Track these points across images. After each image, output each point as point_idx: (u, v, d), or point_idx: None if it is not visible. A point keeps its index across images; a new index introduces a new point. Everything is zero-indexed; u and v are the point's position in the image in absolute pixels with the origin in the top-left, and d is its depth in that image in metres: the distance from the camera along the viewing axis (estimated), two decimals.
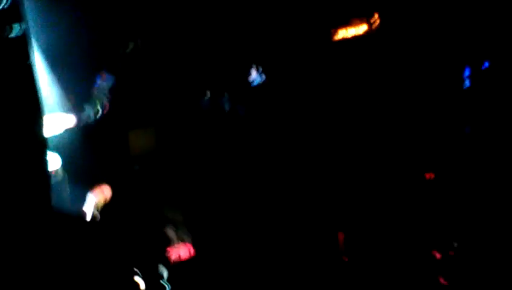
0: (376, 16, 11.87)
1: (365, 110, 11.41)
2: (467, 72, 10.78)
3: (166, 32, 12.41)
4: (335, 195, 10.25)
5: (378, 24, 11.85)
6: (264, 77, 12.27)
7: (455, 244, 8.67)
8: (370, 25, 11.92)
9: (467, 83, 10.66)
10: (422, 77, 11.06)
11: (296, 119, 11.54)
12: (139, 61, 12.34)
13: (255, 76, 12.35)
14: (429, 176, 9.70)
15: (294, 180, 10.66)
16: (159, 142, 11.42)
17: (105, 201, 8.18)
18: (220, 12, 12.20)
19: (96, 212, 8.11)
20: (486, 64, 10.51)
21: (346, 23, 12.08)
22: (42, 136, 7.12)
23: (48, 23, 10.90)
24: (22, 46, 7.16)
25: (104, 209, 7.90)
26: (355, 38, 11.93)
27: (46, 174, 7.19)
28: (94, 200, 8.15)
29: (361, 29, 11.90)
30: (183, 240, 8.15)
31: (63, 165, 9.70)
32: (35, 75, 7.14)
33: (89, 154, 10.60)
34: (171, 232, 8.14)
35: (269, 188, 10.50)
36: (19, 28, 7.10)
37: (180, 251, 8.11)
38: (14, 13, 7.17)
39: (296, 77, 11.98)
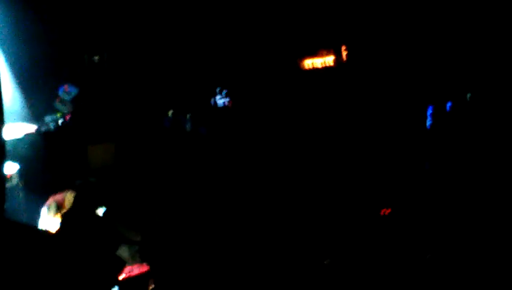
0: (343, 48, 12.05)
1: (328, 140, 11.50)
2: (429, 111, 10.91)
3: (133, 48, 12.40)
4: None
5: (346, 56, 12.03)
6: (227, 100, 12.32)
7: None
8: (337, 56, 12.09)
9: (429, 121, 10.79)
10: (386, 111, 11.21)
11: (258, 143, 11.58)
12: (104, 74, 12.28)
13: (218, 98, 12.39)
14: (384, 212, 9.74)
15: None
16: (118, 157, 11.33)
17: (62, 210, 8.01)
18: (188, 33, 12.25)
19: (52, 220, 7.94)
20: (449, 104, 10.67)
21: (314, 53, 12.22)
22: (1, 140, 6.98)
23: (12, 34, 10.86)
24: None
25: (60, 220, 7.70)
26: (322, 69, 12.08)
27: (1, 178, 7.04)
28: (52, 207, 7.97)
29: (328, 59, 12.06)
30: (137, 260, 8.00)
31: (20, 171, 9.54)
32: None
33: (47, 163, 10.48)
34: (125, 252, 7.97)
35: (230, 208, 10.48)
36: None
37: (134, 270, 7.96)
38: None
39: (260, 102, 12.07)
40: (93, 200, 7.54)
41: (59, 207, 7.89)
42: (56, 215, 7.66)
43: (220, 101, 12.32)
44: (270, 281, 8.04)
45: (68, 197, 7.70)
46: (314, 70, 12.22)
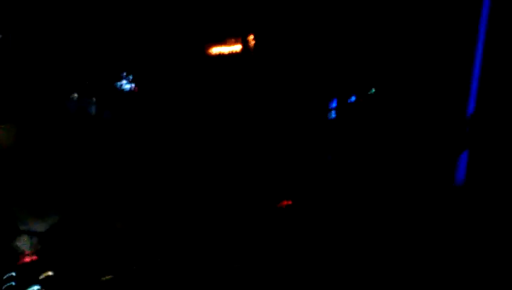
0: (251, 36, 12.15)
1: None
2: (333, 104, 11.17)
3: (38, 29, 12.13)
4: None
5: (253, 44, 12.13)
6: (132, 84, 12.27)
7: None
8: (245, 44, 12.18)
9: (333, 114, 11.05)
10: (290, 103, 11.41)
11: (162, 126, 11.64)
12: (7, 55, 11.99)
13: (123, 82, 12.31)
14: (286, 203, 9.93)
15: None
16: (20, 140, 11.11)
17: None
18: (95, 15, 12.08)
19: None
20: (353, 98, 10.96)
21: (222, 41, 12.29)
22: None
23: None
24: None
25: None
26: (229, 57, 12.15)
27: None
28: None
29: (235, 48, 12.14)
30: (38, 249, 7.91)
31: None
32: None
33: None
34: (23, 242, 7.84)
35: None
36: None
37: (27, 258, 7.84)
38: None
39: (166, 86, 12.09)
40: None
41: None
42: None
43: (126, 86, 12.25)
44: None
45: None
46: (221, 58, 12.28)
